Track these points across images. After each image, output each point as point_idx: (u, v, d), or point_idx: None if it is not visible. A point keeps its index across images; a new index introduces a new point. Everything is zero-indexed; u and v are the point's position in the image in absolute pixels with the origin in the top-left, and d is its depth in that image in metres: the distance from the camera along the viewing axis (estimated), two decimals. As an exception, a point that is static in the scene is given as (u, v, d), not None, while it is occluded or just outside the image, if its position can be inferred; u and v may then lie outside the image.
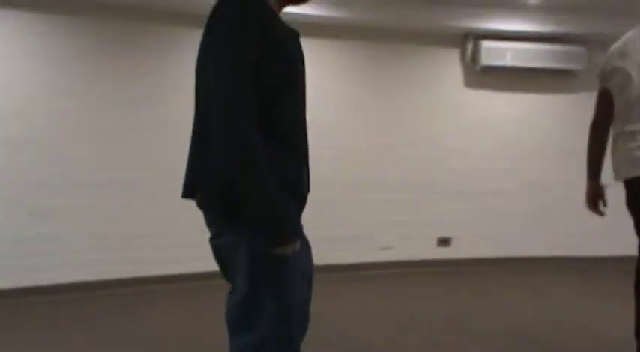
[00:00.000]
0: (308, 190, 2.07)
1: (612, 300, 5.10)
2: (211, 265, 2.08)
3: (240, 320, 1.95)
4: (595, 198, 3.48)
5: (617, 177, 3.28)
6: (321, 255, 6.46)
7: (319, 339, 4.06)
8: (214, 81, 1.82)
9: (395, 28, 6.45)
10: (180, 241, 5.69)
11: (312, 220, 6.56)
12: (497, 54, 6.61)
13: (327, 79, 6.42)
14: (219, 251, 2.03)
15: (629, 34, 3.26)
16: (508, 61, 6.63)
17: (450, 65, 6.86)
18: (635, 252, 3.27)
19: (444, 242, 6.84)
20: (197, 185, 1.95)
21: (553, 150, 6.97)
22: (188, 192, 1.98)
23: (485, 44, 6.57)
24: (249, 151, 1.77)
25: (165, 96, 5.83)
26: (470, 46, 6.69)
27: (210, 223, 2.00)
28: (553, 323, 4.62)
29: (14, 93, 5.34)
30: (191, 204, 1.95)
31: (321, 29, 6.24)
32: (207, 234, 2.00)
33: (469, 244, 6.83)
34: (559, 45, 6.68)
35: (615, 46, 3.31)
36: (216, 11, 1.91)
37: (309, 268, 2.08)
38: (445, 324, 4.61)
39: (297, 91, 2.01)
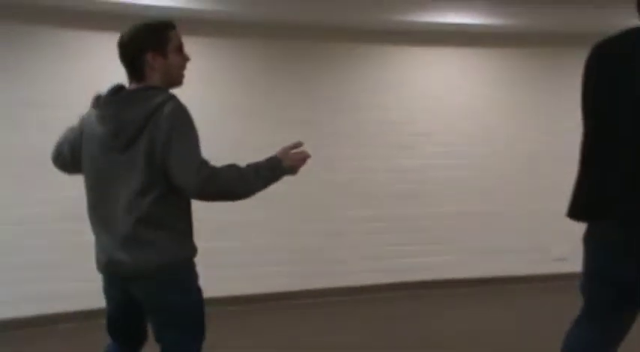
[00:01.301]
0: None
1: None
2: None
3: None
4: None
5: None
6: (495, 266, 6.41)
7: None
8: None
9: (565, 31, 6.22)
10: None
11: (481, 231, 6.53)
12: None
13: (501, 86, 6.38)
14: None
15: None
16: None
17: None
18: None
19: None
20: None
21: None
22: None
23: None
24: None
25: (333, 114, 6.05)
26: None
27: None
28: None
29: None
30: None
31: (482, 38, 6.21)
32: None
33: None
34: None
35: None
36: None
37: None
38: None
39: None
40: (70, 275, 5.14)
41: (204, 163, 2.28)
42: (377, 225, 6.05)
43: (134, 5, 5.07)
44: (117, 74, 5.34)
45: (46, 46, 5.18)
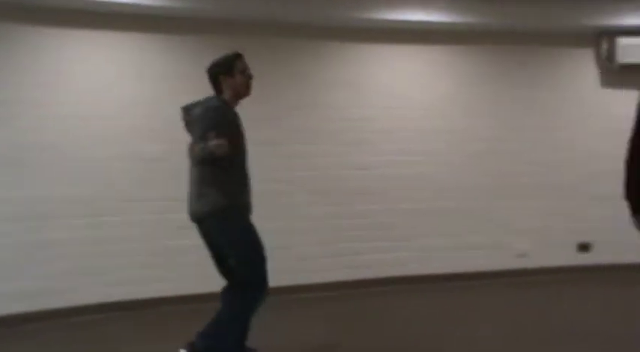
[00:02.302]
0: None
1: None
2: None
3: None
4: None
5: None
6: (456, 262, 6.50)
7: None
8: None
9: (528, 29, 6.36)
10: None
11: (441, 227, 6.58)
12: (635, 51, 6.33)
13: (461, 84, 6.45)
14: None
15: None
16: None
17: (584, 65, 6.64)
18: None
19: (583, 247, 6.61)
20: None
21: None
22: None
23: (622, 41, 6.31)
24: None
25: (292, 111, 6.03)
26: (605, 44, 6.45)
27: None
28: None
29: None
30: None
31: (443, 35, 6.29)
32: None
33: (610, 250, 6.53)
34: None
35: None
36: None
37: None
38: (593, 334, 4.47)
39: None
40: (31, 274, 5.06)
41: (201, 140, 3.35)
42: (338, 222, 6.05)
43: (106, 3, 5.04)
44: (80, 70, 5.30)
45: (10, 42, 5.06)
